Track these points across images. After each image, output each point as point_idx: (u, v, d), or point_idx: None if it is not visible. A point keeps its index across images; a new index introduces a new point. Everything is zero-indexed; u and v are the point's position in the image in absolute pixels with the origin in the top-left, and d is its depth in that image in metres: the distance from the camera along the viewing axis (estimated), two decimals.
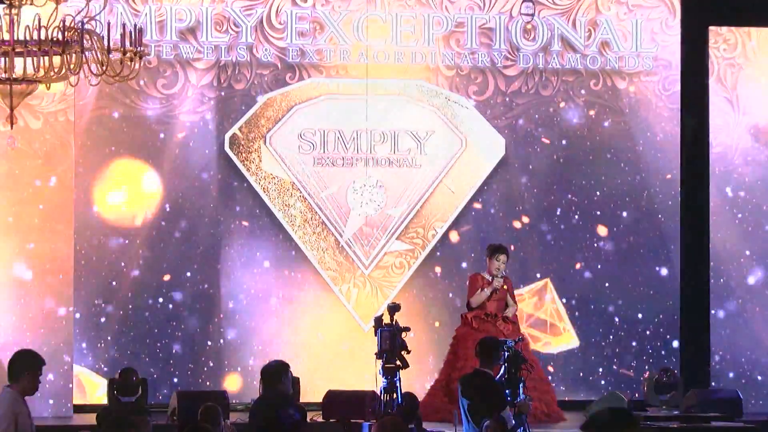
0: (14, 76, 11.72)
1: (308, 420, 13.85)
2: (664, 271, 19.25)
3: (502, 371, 14.21)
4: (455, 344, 17.49)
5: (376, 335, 15.89)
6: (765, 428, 15.13)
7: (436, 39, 19.00)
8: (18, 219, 17.81)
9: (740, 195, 19.31)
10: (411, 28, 18.96)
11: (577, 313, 19.16)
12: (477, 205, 19.06)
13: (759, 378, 19.04)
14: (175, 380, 18.38)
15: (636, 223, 19.27)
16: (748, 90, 19.27)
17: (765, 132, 19.26)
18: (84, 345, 18.23)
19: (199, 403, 13.08)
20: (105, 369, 18.16)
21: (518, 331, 17.29)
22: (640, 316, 19.18)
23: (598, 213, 19.19)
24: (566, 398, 18.78)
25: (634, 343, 19.16)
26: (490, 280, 17.37)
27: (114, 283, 18.42)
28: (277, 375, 12.88)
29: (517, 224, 19.09)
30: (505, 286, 17.43)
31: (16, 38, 11.60)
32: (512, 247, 18.57)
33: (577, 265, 19.20)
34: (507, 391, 13.87)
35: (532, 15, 18.93)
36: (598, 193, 19.21)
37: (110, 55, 11.87)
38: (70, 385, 17.78)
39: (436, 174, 19.02)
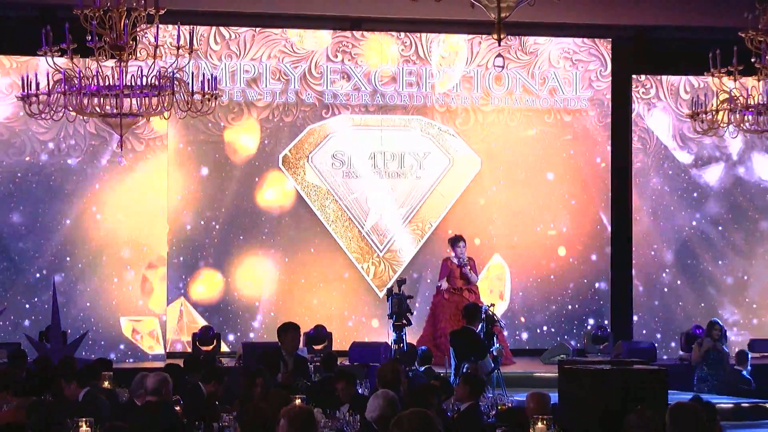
0: (123, 112, 11.58)
1: (338, 363, 13.64)
2: (599, 254, 19.07)
3: (480, 328, 14.07)
4: (434, 309, 17.38)
5: (387, 301, 15.84)
6: (672, 369, 14.91)
7: (431, 85, 18.85)
8: (125, 220, 17.68)
9: (653, 198, 19.15)
10: (413, 78, 18.83)
11: (535, 286, 18.97)
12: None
13: (669, 333, 18.90)
14: (239, 334, 18.22)
15: (578, 219, 19.07)
16: (659, 121, 19.17)
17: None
18: (174, 308, 18.06)
19: (259, 351, 12.91)
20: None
21: (479, 299, 17.12)
22: (582, 287, 19.08)
23: (551, 212, 19.02)
24: (527, 347, 18.71)
25: (577, 308, 19.05)
26: (457, 263, 17.21)
27: (197, 263, 18.26)
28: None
29: (490, 223, 19.01)
30: (468, 266, 17.24)
31: (124, 84, 11.45)
32: (490, 240, 18.63)
33: (540, 254, 18.98)
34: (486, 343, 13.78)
35: (502, 67, 18.78)
36: (550, 196, 19.00)
37: (193, 97, 11.71)
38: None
39: (431, 183, 18.85)
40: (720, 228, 19.21)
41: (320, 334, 17.23)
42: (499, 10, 9.26)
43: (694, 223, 19.16)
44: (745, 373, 16.22)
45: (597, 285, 19.03)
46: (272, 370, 11.54)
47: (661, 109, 19.09)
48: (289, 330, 12.33)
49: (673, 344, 18.51)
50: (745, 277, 19.18)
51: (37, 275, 17.38)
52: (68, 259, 17.48)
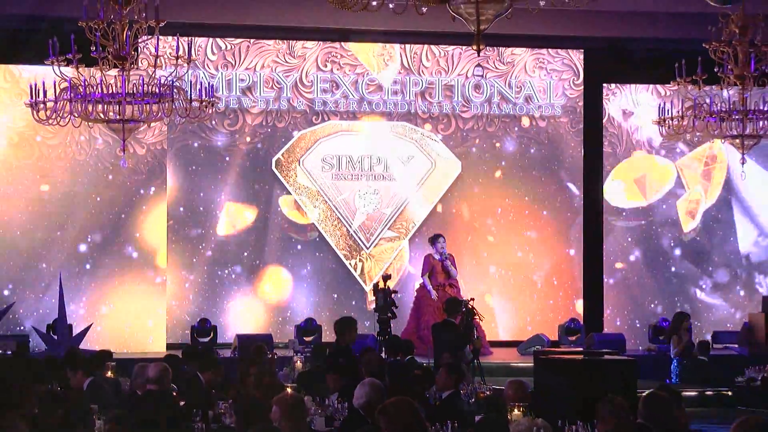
0: (125, 118, 11.57)
1: (327, 353, 13.59)
2: (572, 251, 19.12)
3: (460, 320, 14.08)
4: (417, 303, 17.44)
5: (374, 295, 15.82)
6: (641, 360, 14.93)
7: (414, 93, 18.84)
8: (127, 216, 17.66)
9: (625, 200, 19.22)
10: (398, 87, 18.82)
11: (512, 281, 18.98)
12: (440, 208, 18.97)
13: (637, 325, 18.94)
14: (236, 326, 18.18)
15: (552, 219, 19.09)
16: (630, 127, 19.20)
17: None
18: (174, 302, 18.04)
19: (253, 343, 12.89)
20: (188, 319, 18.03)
21: (460, 294, 17.09)
22: (555, 282, 19.08)
23: (527, 213, 19.04)
24: (505, 339, 18.70)
25: (551, 302, 19.07)
26: (438, 258, 17.19)
27: (194, 259, 18.23)
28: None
29: (471, 222, 19.01)
30: (449, 262, 17.24)
31: (126, 91, 11.43)
32: (469, 238, 18.61)
33: (517, 251, 18.98)
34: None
35: (481, 77, 18.83)
36: (526, 198, 19.03)
37: (192, 104, 11.70)
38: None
39: (414, 185, 18.84)
40: (689, 220, 19.25)
41: (311, 326, 17.35)
42: (478, 23, 9.28)
43: (659, 218, 19.21)
44: (706, 359, 16.29)
45: (571, 280, 19.04)
46: (352, 367, 11.19)
47: (629, 115, 19.19)
48: (354, 325, 12.38)
49: (640, 337, 18.57)
50: (714, 270, 19.27)
51: (45, 271, 17.34)
52: (73, 256, 17.45)
